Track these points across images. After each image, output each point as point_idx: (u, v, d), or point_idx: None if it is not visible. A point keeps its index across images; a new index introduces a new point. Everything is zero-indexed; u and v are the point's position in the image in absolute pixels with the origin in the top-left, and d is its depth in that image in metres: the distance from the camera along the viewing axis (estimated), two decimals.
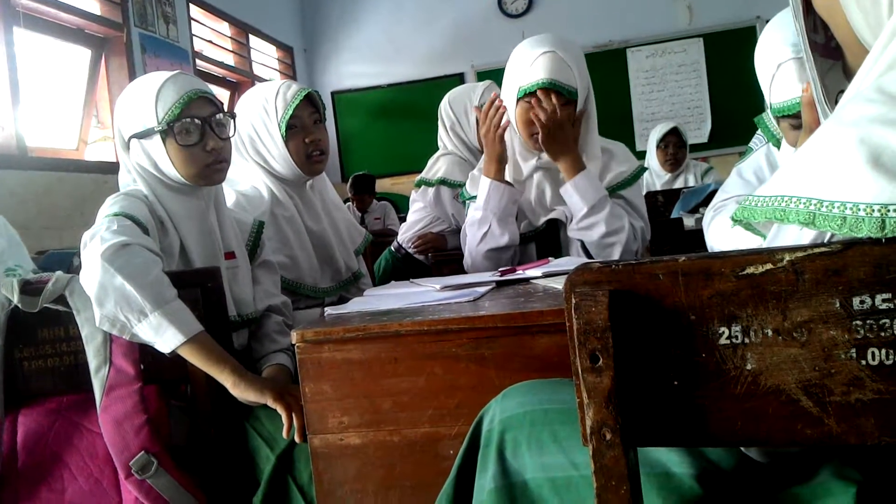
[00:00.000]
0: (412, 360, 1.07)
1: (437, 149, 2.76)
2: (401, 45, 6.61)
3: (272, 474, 1.24)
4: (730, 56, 5.86)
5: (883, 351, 0.62)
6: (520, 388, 0.89)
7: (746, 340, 0.66)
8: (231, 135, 1.53)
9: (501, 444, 0.85)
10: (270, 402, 1.25)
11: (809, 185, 0.63)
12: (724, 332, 0.66)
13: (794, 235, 0.67)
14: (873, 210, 0.58)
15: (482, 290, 1.26)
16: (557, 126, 1.69)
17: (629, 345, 0.68)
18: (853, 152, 0.60)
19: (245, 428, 1.31)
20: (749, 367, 0.66)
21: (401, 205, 5.59)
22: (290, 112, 1.72)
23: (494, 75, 6.20)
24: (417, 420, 1.07)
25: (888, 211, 0.57)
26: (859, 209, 0.58)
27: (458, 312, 1.08)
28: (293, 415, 1.23)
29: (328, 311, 1.23)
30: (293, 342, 1.09)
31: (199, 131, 1.45)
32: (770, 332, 0.65)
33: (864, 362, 0.63)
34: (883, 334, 0.62)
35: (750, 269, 0.65)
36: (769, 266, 0.64)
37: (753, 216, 0.68)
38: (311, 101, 1.77)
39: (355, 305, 1.25)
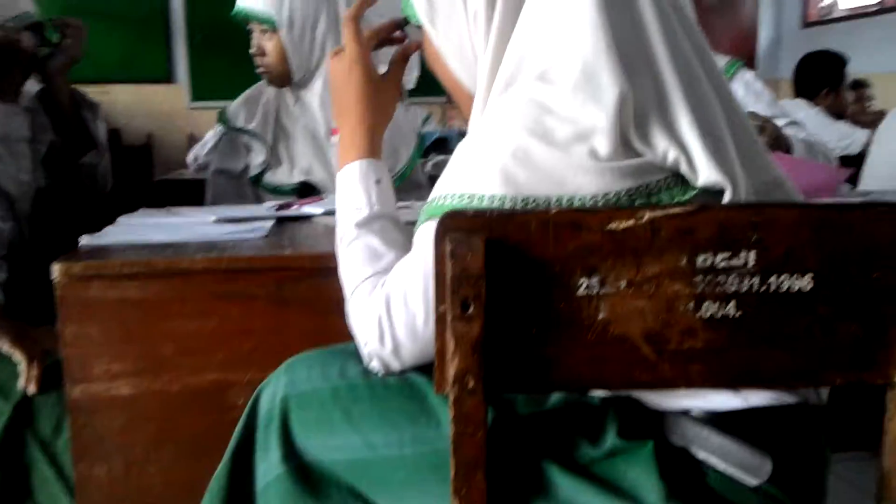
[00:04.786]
0: (203, 301, 0.96)
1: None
2: None
3: (5, 428, 1.05)
4: None
5: (715, 304, 0.69)
6: (304, 362, 0.83)
7: (601, 292, 0.69)
8: None
9: (286, 423, 0.79)
10: (5, 348, 1.05)
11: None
12: (583, 283, 0.69)
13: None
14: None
15: (266, 224, 1.17)
16: None
17: (497, 293, 0.68)
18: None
19: None
20: (601, 316, 0.69)
21: None
22: None
23: None
24: (204, 366, 0.97)
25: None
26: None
27: (258, 250, 0.99)
28: (33, 362, 1.05)
29: (83, 239, 1.05)
30: (52, 276, 0.92)
31: None
32: (623, 285, 0.69)
33: (698, 314, 0.69)
34: (718, 289, 0.69)
35: (613, 224, 0.68)
36: (632, 222, 0.67)
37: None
38: None
39: (114, 235, 1.09)
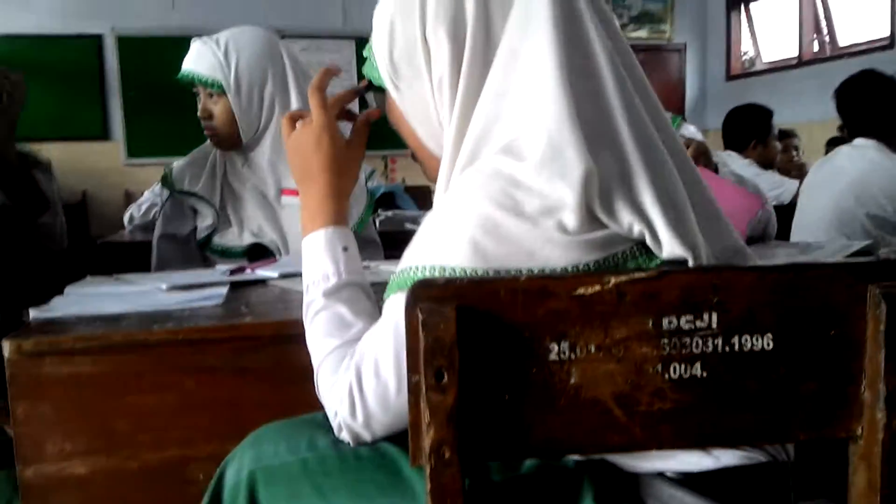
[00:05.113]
0: (160, 374, 0.94)
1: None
2: None
3: None
4: None
5: (682, 366, 0.71)
6: (270, 435, 0.81)
7: (573, 356, 0.70)
8: None
9: (254, 499, 0.77)
10: None
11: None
12: (554, 349, 0.70)
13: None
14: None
15: (221, 291, 1.15)
16: None
17: (470, 361, 0.68)
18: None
19: None
20: (572, 381, 0.70)
21: None
22: None
23: (137, 43, 5.79)
24: (162, 442, 0.94)
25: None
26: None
27: (216, 319, 0.98)
28: None
29: (33, 312, 1.02)
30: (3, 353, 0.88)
31: None
32: (593, 349, 0.70)
33: (667, 376, 0.71)
34: (684, 351, 0.70)
35: (581, 290, 0.69)
36: (598, 287, 0.69)
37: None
38: None
39: (64, 306, 1.06)
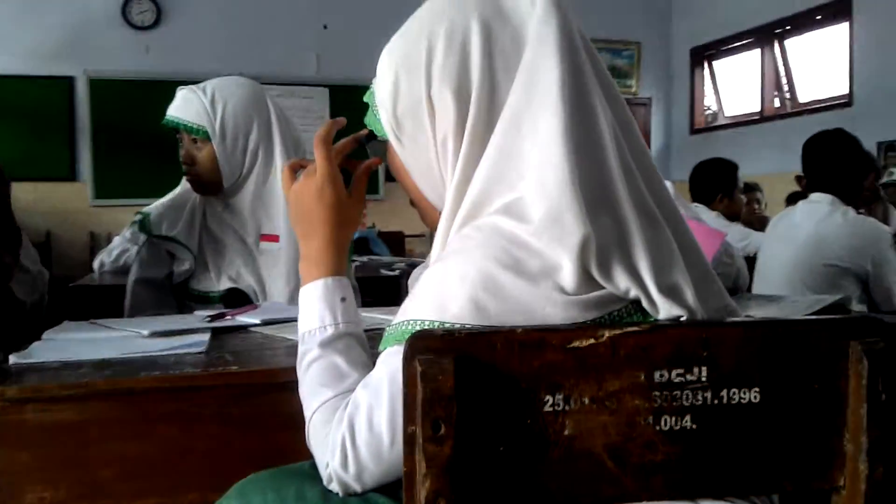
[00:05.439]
0: (143, 422, 0.93)
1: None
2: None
3: None
4: (353, 109, 6.20)
5: (673, 418, 0.72)
6: (256, 484, 0.80)
7: (567, 408, 0.71)
8: None
9: None
10: None
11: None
12: (548, 400, 0.71)
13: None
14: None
15: (204, 337, 1.15)
16: None
17: (466, 412, 0.69)
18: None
19: None
20: (566, 432, 0.71)
21: None
22: None
23: (109, 86, 5.78)
24: (144, 491, 0.93)
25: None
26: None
27: (201, 367, 0.97)
28: None
29: (13, 358, 1.00)
30: None
31: None
32: (587, 401, 0.71)
33: (658, 428, 0.72)
34: (675, 403, 0.72)
35: (576, 343, 0.70)
36: (592, 340, 0.70)
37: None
38: None
39: (44, 352, 1.05)
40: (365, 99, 0.89)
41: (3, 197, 1.53)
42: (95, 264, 2.80)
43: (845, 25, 5.69)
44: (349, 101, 6.05)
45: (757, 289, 2.52)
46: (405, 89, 0.82)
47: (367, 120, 0.88)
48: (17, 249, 1.59)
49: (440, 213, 0.82)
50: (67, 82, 5.87)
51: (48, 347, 1.09)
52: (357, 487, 0.77)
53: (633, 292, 0.73)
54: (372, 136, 0.89)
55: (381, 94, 0.85)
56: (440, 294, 0.74)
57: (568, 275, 0.71)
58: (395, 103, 0.83)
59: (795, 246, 2.39)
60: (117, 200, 5.72)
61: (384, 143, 0.88)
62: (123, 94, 5.91)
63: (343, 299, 0.87)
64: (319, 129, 0.92)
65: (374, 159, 0.93)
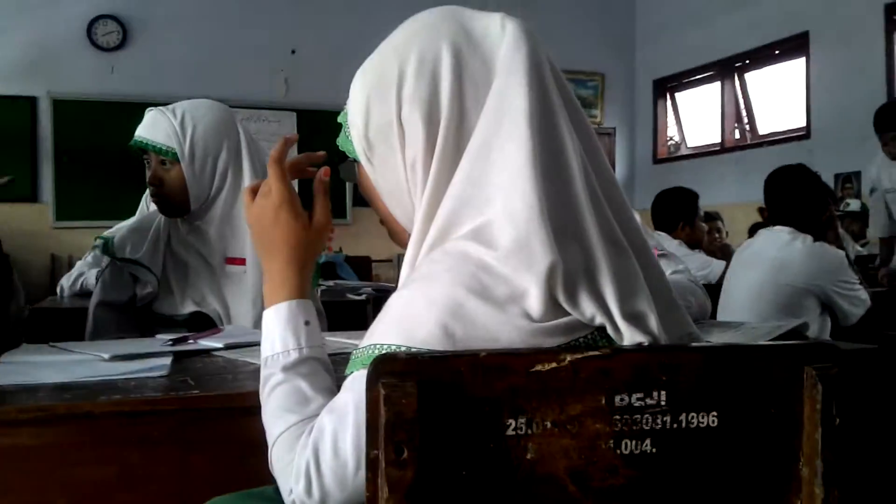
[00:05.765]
0: (102, 446, 0.91)
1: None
2: None
3: None
4: (321, 133, 6.21)
5: (634, 442, 0.73)
6: None
7: (529, 431, 0.71)
8: None
9: None
10: None
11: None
12: (511, 424, 0.71)
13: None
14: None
15: (165, 361, 1.13)
16: None
17: (429, 436, 0.69)
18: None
19: None
20: (529, 456, 0.72)
21: None
22: None
23: (73, 107, 5.72)
24: None
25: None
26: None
27: (162, 391, 0.96)
28: None
29: None
30: None
31: None
32: (549, 424, 0.72)
33: (619, 451, 0.73)
34: (635, 427, 0.73)
35: (538, 367, 0.71)
36: (554, 364, 0.71)
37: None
38: None
39: (1, 376, 1.02)
40: (339, 119, 0.89)
41: None
42: (58, 290, 2.78)
43: (802, 60, 5.86)
44: (317, 125, 6.08)
45: (722, 314, 2.62)
46: (376, 111, 0.83)
47: (340, 140, 0.89)
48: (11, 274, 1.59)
49: (409, 235, 0.83)
50: (30, 102, 5.80)
51: (6, 371, 1.06)
52: None
53: (599, 319, 0.74)
54: (343, 156, 0.89)
55: (352, 115, 0.86)
56: (408, 319, 0.74)
57: (535, 301, 0.72)
58: (367, 125, 0.84)
59: (761, 270, 2.54)
60: (79, 222, 5.64)
61: (353, 165, 0.88)
62: (87, 116, 5.84)
63: (307, 322, 0.87)
64: (273, 149, 0.92)
65: (323, 169, 0.92)
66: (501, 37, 0.80)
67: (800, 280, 2.47)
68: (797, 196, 2.59)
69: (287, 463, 0.77)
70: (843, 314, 2.49)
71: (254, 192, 0.93)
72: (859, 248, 4.28)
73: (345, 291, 2.84)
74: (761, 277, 2.52)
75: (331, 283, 3.03)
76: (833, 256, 2.53)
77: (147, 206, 2.67)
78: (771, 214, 2.68)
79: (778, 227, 2.59)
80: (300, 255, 0.90)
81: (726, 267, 3.23)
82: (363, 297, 2.69)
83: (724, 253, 3.77)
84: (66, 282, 2.75)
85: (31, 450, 0.88)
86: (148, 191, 2.68)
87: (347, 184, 6.45)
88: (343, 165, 0.91)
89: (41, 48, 5.78)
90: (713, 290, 2.68)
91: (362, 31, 5.65)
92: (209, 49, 6.14)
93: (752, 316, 2.44)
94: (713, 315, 2.48)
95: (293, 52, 6.43)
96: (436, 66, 0.80)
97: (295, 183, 0.96)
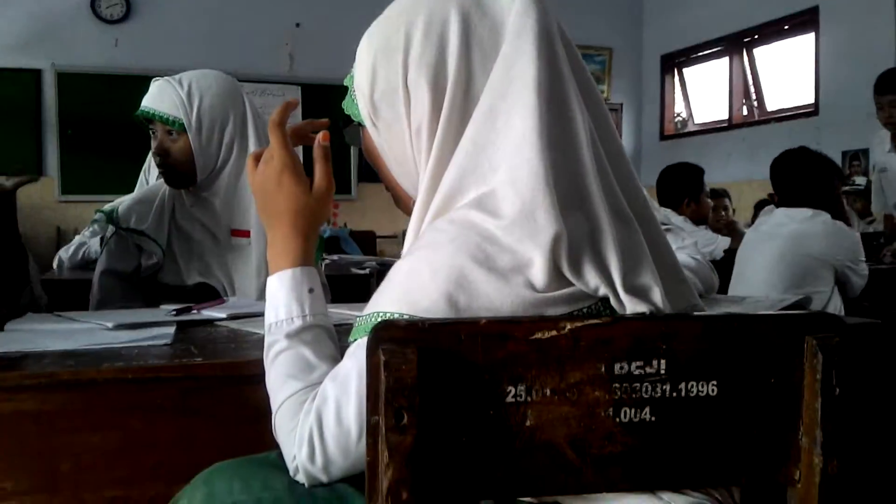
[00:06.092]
0: (106, 413, 0.92)
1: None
2: None
3: None
4: (326, 107, 6.20)
5: (633, 410, 0.73)
6: (223, 473, 0.79)
7: (529, 399, 0.72)
8: None
9: None
10: None
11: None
12: (511, 391, 0.72)
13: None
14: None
15: (169, 330, 1.14)
16: None
17: (429, 403, 0.69)
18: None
19: None
20: (528, 423, 0.72)
21: None
22: None
23: (77, 80, 5.71)
24: (105, 482, 0.92)
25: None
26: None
27: (165, 359, 0.96)
28: None
29: None
30: None
31: None
32: (548, 392, 0.72)
33: (618, 419, 0.73)
34: (634, 395, 0.73)
35: (538, 335, 0.71)
36: (554, 332, 0.71)
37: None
38: None
39: (6, 343, 1.03)
40: (345, 82, 0.88)
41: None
42: (55, 262, 2.77)
43: (811, 36, 5.80)
44: (321, 99, 6.06)
45: (737, 287, 2.68)
46: (382, 75, 0.82)
47: (345, 104, 0.88)
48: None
49: (414, 200, 0.83)
50: (34, 75, 5.78)
51: (11, 338, 1.07)
52: (324, 479, 0.77)
53: (602, 290, 0.74)
54: (348, 120, 0.89)
55: (358, 79, 0.85)
56: (412, 288, 0.74)
57: (538, 271, 0.72)
58: (373, 88, 0.83)
59: (782, 240, 2.62)
60: (85, 196, 5.64)
61: (359, 130, 0.88)
62: (91, 88, 5.83)
63: (311, 290, 0.86)
64: (273, 114, 0.91)
65: (322, 133, 0.91)
66: (511, 3, 0.79)
67: (821, 252, 2.56)
68: (805, 178, 2.65)
69: (290, 430, 0.78)
70: (851, 289, 2.62)
71: (257, 159, 0.93)
72: (865, 226, 4.27)
73: (349, 265, 2.84)
74: (782, 247, 2.60)
75: (335, 257, 3.03)
76: (852, 234, 2.65)
77: (147, 178, 2.67)
78: (781, 199, 2.73)
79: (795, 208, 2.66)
80: (304, 221, 0.89)
81: (732, 243, 3.24)
82: (367, 271, 2.70)
83: (731, 230, 3.76)
84: (64, 254, 2.75)
85: (34, 416, 0.89)
86: (147, 163, 2.70)
87: (352, 159, 6.49)
88: (348, 129, 0.90)
89: (45, 21, 5.76)
90: (718, 266, 2.68)
91: (367, 4, 5.55)
92: (213, 22, 6.10)
93: (768, 287, 2.53)
94: (724, 291, 2.50)
95: (298, 25, 6.39)
96: (443, 31, 0.79)
97: (299, 151, 0.95)
